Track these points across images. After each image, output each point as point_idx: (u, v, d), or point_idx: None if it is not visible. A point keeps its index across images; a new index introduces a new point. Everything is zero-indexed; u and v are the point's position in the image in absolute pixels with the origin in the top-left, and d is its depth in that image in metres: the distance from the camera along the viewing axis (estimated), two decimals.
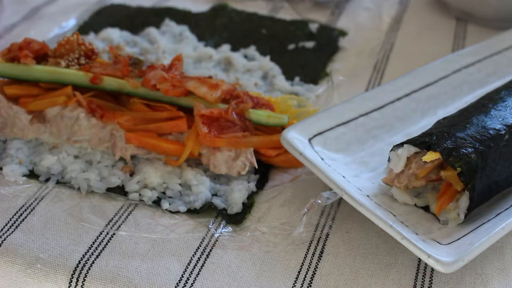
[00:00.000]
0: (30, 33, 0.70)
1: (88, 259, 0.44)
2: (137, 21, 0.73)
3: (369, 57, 0.67)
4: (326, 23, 0.73)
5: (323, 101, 0.60)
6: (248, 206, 0.48)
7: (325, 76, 0.64)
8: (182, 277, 0.43)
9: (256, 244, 0.45)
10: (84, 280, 0.42)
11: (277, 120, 0.51)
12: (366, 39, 0.70)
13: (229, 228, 0.47)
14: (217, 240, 0.46)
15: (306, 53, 0.67)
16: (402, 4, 0.78)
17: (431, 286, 0.42)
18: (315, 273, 0.43)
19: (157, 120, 0.52)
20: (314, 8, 0.77)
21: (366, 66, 0.66)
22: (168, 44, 0.67)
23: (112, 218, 0.47)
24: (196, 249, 0.45)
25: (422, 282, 0.42)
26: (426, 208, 0.45)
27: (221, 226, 0.47)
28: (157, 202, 0.49)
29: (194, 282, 0.42)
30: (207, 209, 0.48)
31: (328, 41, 0.69)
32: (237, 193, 0.49)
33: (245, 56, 0.66)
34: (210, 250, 0.45)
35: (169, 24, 0.72)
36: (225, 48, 0.67)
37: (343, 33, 0.71)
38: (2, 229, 0.46)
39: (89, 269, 0.43)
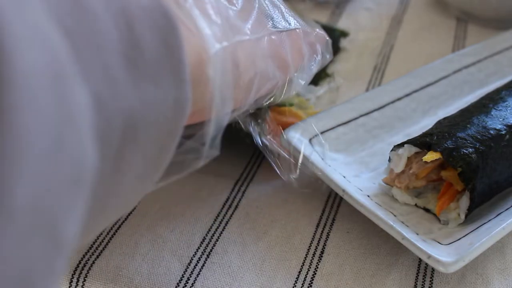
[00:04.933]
0: None
1: (89, 259, 0.44)
2: None
3: (370, 58, 0.67)
4: (326, 23, 0.73)
5: (325, 103, 0.59)
6: None
7: (325, 77, 0.63)
8: (183, 277, 0.43)
9: (257, 244, 0.45)
10: (85, 280, 0.42)
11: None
12: (367, 40, 0.70)
13: (230, 228, 0.47)
14: (217, 240, 0.46)
15: None
16: (402, 4, 0.78)
17: (431, 286, 0.42)
18: (315, 273, 0.43)
19: None
20: (314, 8, 0.76)
21: (367, 67, 0.66)
22: None
23: None
24: (197, 249, 0.45)
25: (422, 282, 0.42)
26: (426, 208, 0.45)
27: (222, 225, 0.47)
28: None
29: (194, 282, 0.42)
30: None
31: None
32: None
33: None
34: (211, 250, 0.45)
35: None
36: None
37: (344, 34, 0.70)
38: None
39: (89, 269, 0.43)
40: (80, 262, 0.43)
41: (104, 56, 0.23)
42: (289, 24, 0.39)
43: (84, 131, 0.21)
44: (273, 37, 0.37)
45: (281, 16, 0.39)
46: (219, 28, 0.32)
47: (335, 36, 0.69)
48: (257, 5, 0.37)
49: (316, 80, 0.63)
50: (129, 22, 0.24)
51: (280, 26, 0.38)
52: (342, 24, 0.73)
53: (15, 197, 0.17)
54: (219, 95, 0.32)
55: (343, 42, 0.69)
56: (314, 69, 0.43)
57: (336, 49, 0.68)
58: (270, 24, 0.38)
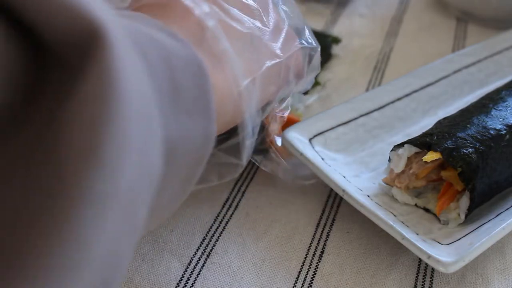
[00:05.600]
0: None
1: None
2: None
3: (363, 66, 0.66)
4: (321, 30, 0.71)
5: (314, 111, 0.57)
6: None
7: (316, 86, 0.61)
8: (183, 277, 0.43)
9: (257, 244, 0.45)
10: None
11: None
12: (361, 47, 0.69)
13: (230, 228, 0.47)
14: (217, 240, 0.46)
15: None
16: (402, 4, 0.78)
17: (431, 286, 0.42)
18: (315, 273, 0.43)
19: None
20: (308, 14, 0.75)
21: (359, 75, 0.64)
22: None
23: None
24: (197, 249, 0.45)
25: (422, 282, 0.42)
26: (426, 208, 0.45)
27: (222, 225, 0.47)
28: None
29: (194, 282, 0.42)
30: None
31: (321, 49, 0.66)
32: None
33: None
34: (211, 250, 0.45)
35: None
36: None
37: (336, 40, 0.68)
38: None
39: None
40: None
41: (159, 93, 0.29)
42: (311, 42, 0.46)
43: (158, 145, 0.27)
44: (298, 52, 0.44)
45: (306, 33, 0.46)
46: (248, 61, 0.38)
47: (327, 42, 0.67)
48: (286, 25, 0.43)
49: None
50: (172, 68, 0.30)
51: (306, 44, 0.45)
52: (337, 30, 0.72)
53: (120, 185, 0.22)
54: (249, 115, 0.39)
55: (336, 49, 0.68)
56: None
57: (328, 56, 0.66)
58: (298, 41, 0.44)
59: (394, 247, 0.44)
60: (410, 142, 0.45)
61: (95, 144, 0.21)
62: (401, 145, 0.46)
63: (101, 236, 0.22)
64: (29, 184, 0.21)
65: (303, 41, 0.45)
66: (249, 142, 0.40)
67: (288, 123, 0.50)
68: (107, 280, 0.23)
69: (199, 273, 0.43)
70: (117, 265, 0.24)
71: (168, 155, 0.29)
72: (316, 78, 0.61)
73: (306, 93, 0.59)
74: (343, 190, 0.44)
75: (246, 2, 0.40)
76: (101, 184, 0.21)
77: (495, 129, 0.45)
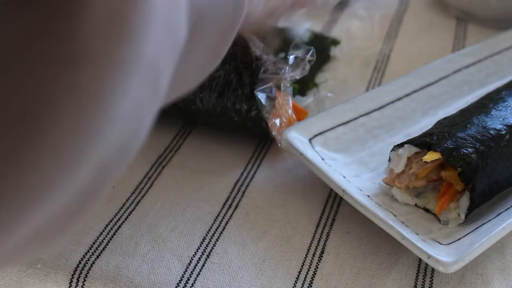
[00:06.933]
0: None
1: (89, 259, 0.44)
2: None
3: (361, 67, 0.65)
4: (320, 31, 0.70)
5: (311, 113, 0.57)
6: None
7: (313, 87, 0.60)
8: (183, 277, 0.43)
9: (257, 244, 0.45)
10: (85, 280, 0.42)
11: None
12: (360, 48, 0.68)
13: (230, 228, 0.47)
14: (217, 240, 0.46)
15: None
16: (402, 4, 0.78)
17: (431, 286, 0.42)
18: (315, 273, 0.43)
19: None
20: (307, 15, 0.74)
21: (357, 77, 0.64)
22: None
23: (112, 219, 0.47)
24: (197, 249, 0.45)
25: (422, 282, 0.42)
26: (426, 208, 0.45)
27: (222, 225, 0.47)
28: None
29: (194, 282, 0.42)
30: None
31: (320, 50, 0.63)
32: None
33: None
34: (211, 250, 0.45)
35: None
36: None
37: (335, 42, 0.67)
38: None
39: (89, 269, 0.43)
40: (80, 262, 0.43)
41: None
42: None
43: (183, 13, 0.28)
44: None
45: None
46: None
47: (326, 44, 0.66)
48: None
49: (304, 90, 0.59)
50: None
51: None
52: (335, 32, 0.71)
53: (143, 53, 0.24)
54: None
55: (334, 51, 0.67)
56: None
57: (326, 58, 0.65)
58: None
59: (394, 247, 0.44)
60: (410, 142, 0.45)
61: (121, 13, 0.22)
62: (401, 145, 0.46)
63: (126, 98, 0.23)
64: (50, 50, 0.21)
65: None
66: None
67: (297, 114, 0.50)
68: (128, 144, 0.25)
69: (199, 273, 0.43)
70: (138, 131, 0.26)
71: (195, 22, 0.30)
72: (313, 79, 0.62)
73: (303, 94, 0.59)
74: (343, 190, 0.44)
75: None
76: (125, 51, 0.22)
77: (495, 129, 0.45)
